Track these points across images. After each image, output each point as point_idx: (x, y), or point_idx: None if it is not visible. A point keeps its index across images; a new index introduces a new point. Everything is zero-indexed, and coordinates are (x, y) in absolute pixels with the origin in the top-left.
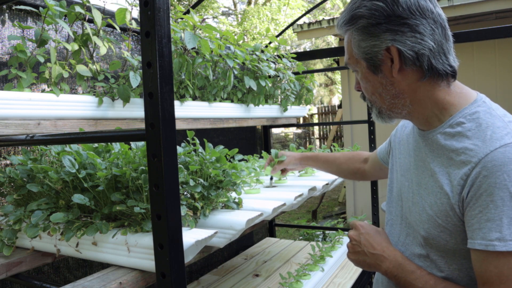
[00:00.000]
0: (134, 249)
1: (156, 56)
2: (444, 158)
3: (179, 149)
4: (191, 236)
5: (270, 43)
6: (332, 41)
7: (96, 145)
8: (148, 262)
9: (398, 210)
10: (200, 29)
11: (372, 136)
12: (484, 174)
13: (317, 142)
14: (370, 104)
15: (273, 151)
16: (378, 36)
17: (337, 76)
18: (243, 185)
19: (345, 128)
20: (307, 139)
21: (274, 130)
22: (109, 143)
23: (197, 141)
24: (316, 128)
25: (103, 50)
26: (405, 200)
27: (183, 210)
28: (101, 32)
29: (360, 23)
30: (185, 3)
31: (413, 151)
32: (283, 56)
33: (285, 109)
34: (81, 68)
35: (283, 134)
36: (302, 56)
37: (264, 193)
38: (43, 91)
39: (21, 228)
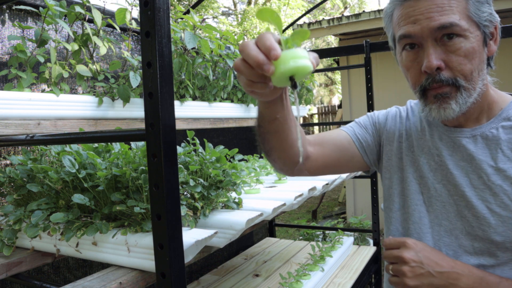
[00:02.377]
0: (134, 249)
1: (156, 56)
2: (510, 152)
3: (179, 149)
4: (191, 236)
5: None
6: (332, 41)
7: (96, 145)
8: (148, 262)
9: (425, 218)
10: (200, 29)
11: None
12: None
13: None
14: (449, 91)
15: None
16: (492, 5)
17: (337, 76)
18: (243, 185)
19: None
20: None
21: None
22: (109, 143)
23: (197, 141)
24: (316, 128)
25: (103, 50)
26: (446, 209)
27: (183, 210)
28: (101, 32)
29: None
30: (185, 3)
31: (447, 155)
32: None
33: None
34: (81, 68)
35: None
36: None
37: (264, 193)
38: (43, 91)
39: (21, 228)
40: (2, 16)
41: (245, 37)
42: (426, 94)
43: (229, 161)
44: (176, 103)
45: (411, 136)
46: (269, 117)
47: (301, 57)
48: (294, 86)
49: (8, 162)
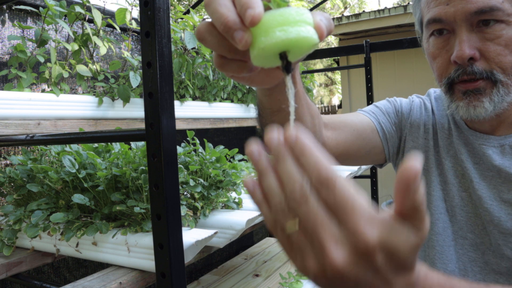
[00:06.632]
0: (134, 249)
1: (156, 56)
2: None
3: (179, 149)
4: (191, 236)
5: None
6: (332, 41)
7: (96, 145)
8: (148, 262)
9: (448, 229)
10: None
11: None
12: None
13: None
14: (483, 86)
15: None
16: None
17: (337, 76)
18: (243, 185)
19: None
20: None
21: None
22: (109, 143)
23: (197, 141)
24: None
25: (103, 50)
26: (472, 220)
27: (183, 210)
28: (101, 32)
29: None
30: (185, 3)
31: (472, 163)
32: None
33: None
34: (81, 68)
35: None
36: None
37: None
38: (43, 91)
39: (21, 228)
40: (2, 16)
41: None
42: (453, 89)
43: (229, 161)
44: (176, 103)
45: (437, 133)
46: (271, 107)
47: (295, 23)
48: (286, 68)
49: (8, 162)
